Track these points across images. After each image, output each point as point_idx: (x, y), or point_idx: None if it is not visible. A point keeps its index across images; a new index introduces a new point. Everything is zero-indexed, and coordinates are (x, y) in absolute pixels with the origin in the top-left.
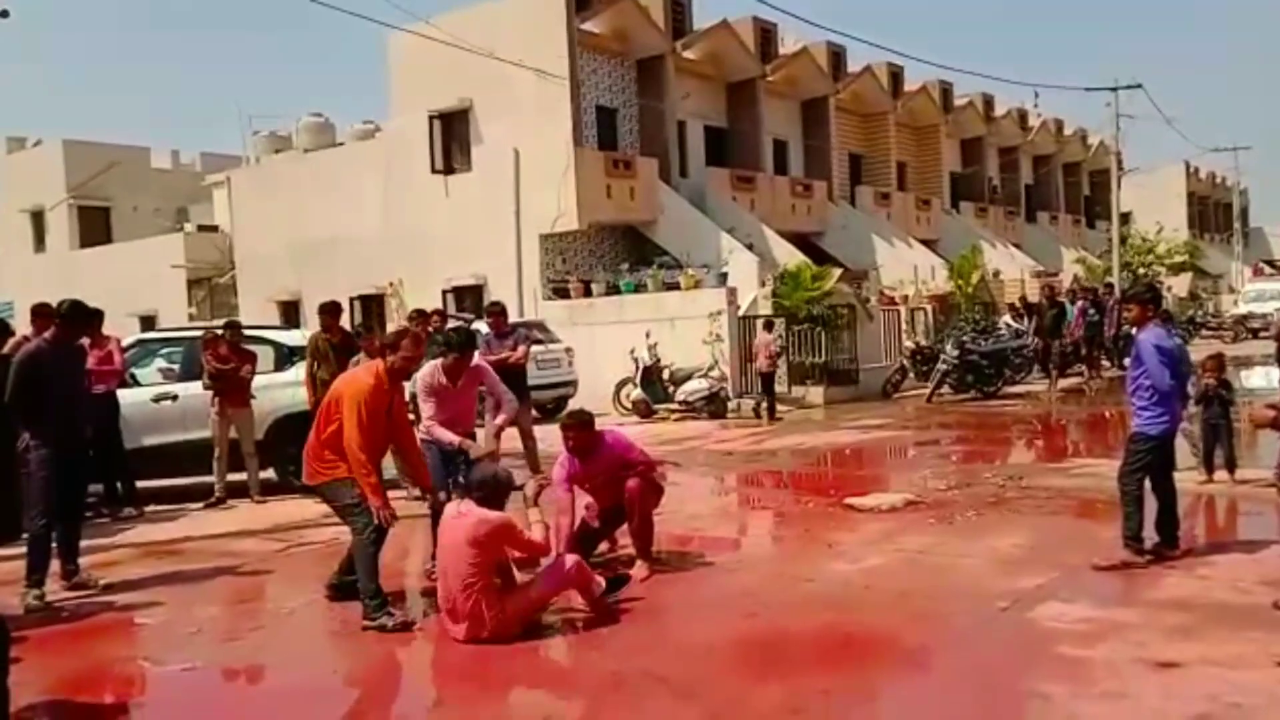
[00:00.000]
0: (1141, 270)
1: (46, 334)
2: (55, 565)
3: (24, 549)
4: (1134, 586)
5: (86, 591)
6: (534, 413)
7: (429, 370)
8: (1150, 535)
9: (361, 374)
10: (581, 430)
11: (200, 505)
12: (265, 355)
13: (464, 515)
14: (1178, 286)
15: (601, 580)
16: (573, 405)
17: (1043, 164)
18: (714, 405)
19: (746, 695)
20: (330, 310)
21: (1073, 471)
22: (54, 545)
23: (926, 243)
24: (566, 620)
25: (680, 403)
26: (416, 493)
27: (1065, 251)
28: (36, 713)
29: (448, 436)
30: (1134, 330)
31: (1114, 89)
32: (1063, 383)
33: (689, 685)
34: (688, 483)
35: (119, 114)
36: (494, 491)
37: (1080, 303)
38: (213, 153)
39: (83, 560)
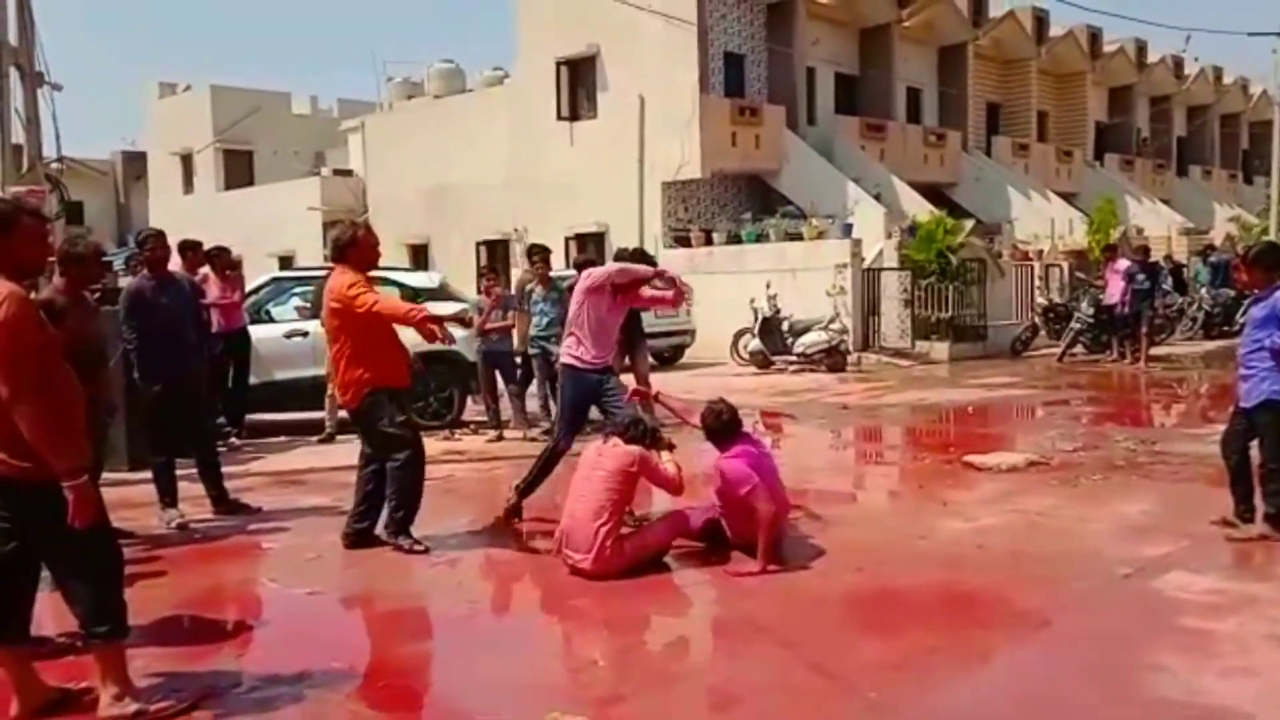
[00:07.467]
0: None
1: (145, 270)
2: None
3: None
4: (1270, 560)
5: (250, 514)
6: (650, 360)
7: (615, 267)
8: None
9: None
10: (713, 433)
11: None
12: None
13: (611, 449)
14: None
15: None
16: (690, 355)
17: (1198, 114)
18: (833, 358)
19: (849, 648)
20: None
21: (1209, 438)
22: (175, 472)
23: (1066, 196)
24: (675, 562)
25: (798, 355)
26: (534, 433)
27: (1218, 208)
28: (169, 625)
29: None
30: (1249, 297)
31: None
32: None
33: (791, 634)
34: (802, 435)
35: (263, 60)
36: (643, 434)
37: (1126, 265)
38: (349, 99)
39: None
